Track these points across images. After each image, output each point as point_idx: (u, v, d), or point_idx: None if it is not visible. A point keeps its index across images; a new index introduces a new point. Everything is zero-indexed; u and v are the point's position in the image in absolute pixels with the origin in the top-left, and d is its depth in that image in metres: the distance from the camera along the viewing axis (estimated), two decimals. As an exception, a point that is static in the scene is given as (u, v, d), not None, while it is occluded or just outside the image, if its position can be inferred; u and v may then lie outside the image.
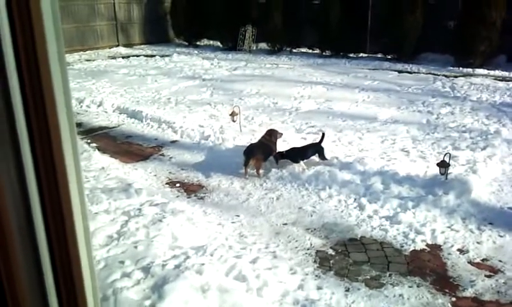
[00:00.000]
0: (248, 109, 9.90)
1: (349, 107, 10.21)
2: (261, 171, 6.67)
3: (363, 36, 17.82)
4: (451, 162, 6.21)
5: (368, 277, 4.24)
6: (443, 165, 5.95)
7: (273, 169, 6.74)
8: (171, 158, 7.52)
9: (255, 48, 20.10)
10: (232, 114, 8.29)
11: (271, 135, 6.97)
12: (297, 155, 6.77)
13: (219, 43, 21.45)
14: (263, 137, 7.05)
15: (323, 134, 6.90)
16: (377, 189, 5.87)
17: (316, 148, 6.83)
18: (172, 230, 4.67)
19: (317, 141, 6.90)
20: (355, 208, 5.56)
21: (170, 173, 6.88)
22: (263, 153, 6.70)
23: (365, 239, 4.89)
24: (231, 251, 4.44)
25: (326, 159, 6.73)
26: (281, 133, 7.10)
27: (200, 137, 8.26)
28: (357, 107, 10.22)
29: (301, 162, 6.67)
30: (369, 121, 8.99)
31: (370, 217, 5.33)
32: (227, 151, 7.46)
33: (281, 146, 7.12)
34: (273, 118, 9.36)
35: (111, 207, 5.21)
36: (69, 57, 17.90)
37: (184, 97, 11.27)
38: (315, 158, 6.83)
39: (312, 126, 8.66)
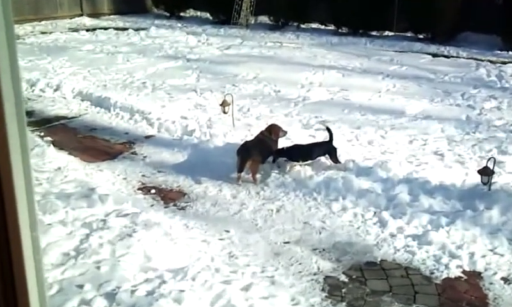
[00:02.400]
0: (243, 98, 9.91)
1: (370, 97, 10.24)
2: (258, 176, 6.66)
3: (389, 10, 17.79)
4: (496, 169, 6.21)
5: (390, 310, 4.26)
6: (486, 172, 5.96)
7: (273, 174, 6.74)
8: (145, 157, 7.52)
9: (253, 22, 20.10)
10: (223, 104, 8.30)
11: (271, 132, 6.98)
12: (299, 153, 6.79)
13: (208, 15, 21.45)
14: (261, 133, 7.06)
15: (329, 130, 6.90)
16: (402, 201, 5.89)
17: (326, 148, 6.84)
18: (144, 247, 4.66)
19: (328, 139, 6.92)
20: (375, 224, 5.58)
21: (144, 175, 6.88)
22: (261, 153, 6.71)
23: (386, 263, 4.90)
24: (218, 274, 4.44)
25: (339, 162, 6.75)
26: (285, 131, 7.09)
27: (182, 132, 8.25)
28: (380, 98, 10.26)
29: (301, 163, 6.73)
30: (395, 116, 9.02)
31: (393, 235, 5.35)
32: (216, 150, 7.46)
33: (284, 145, 7.13)
34: (274, 110, 9.37)
35: (69, 217, 5.20)
36: (18, 29, 17.86)
37: (163, 82, 11.28)
38: (326, 160, 6.85)
39: (323, 121, 8.69)
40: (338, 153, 6.84)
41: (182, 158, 7.43)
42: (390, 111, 9.31)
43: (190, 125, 8.36)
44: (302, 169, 6.74)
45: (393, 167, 6.60)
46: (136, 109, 9.29)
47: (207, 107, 9.51)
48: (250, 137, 7.42)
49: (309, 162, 6.88)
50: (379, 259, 4.96)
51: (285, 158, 6.82)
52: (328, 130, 6.91)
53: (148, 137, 8.32)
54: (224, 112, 8.39)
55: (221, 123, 8.44)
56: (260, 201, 6.16)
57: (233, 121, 8.41)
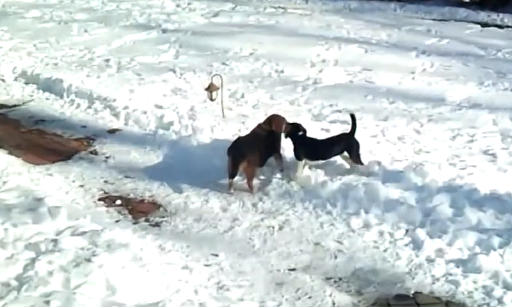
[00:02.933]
0: (235, 81, 9.88)
1: (400, 80, 10.23)
2: (255, 182, 6.64)
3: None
4: None
5: None
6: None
7: (275, 179, 6.72)
8: (108, 158, 7.49)
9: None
10: (210, 89, 8.25)
11: (272, 125, 6.97)
12: (309, 148, 6.79)
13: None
14: (259, 126, 7.05)
15: (353, 118, 6.82)
16: (443, 215, 5.87)
17: (345, 143, 6.82)
18: (108, 276, 4.62)
19: (347, 131, 6.89)
20: (406, 245, 5.57)
21: (106, 182, 6.85)
22: (259, 152, 6.70)
23: (421, 297, 4.88)
24: (203, 312, 4.42)
25: (361, 163, 6.73)
26: (299, 124, 6.96)
27: (156, 125, 8.23)
28: (413, 81, 10.24)
29: (312, 163, 6.75)
30: (432, 105, 9.01)
31: (430, 260, 5.33)
32: (200, 149, 7.44)
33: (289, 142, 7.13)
34: (276, 96, 9.34)
35: (9, 237, 5.14)
36: None
37: (132, 59, 11.25)
38: (344, 162, 6.85)
39: (340, 111, 8.66)
40: (360, 150, 6.81)
41: (156, 159, 7.40)
42: (427, 98, 9.29)
43: (167, 115, 8.33)
44: (312, 174, 6.72)
45: (431, 171, 6.58)
46: (96, 94, 9.25)
47: (188, 93, 9.47)
48: (245, 132, 7.40)
49: (321, 162, 6.88)
50: (412, 292, 4.93)
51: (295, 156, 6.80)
52: (352, 118, 6.80)
53: (112, 131, 8.29)
54: (212, 99, 8.35)
55: (207, 113, 8.41)
56: (258, 216, 6.13)
57: (223, 111, 8.37)
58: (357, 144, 6.75)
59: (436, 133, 7.94)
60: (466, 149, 7.50)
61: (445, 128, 8.10)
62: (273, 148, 6.91)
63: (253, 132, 7.03)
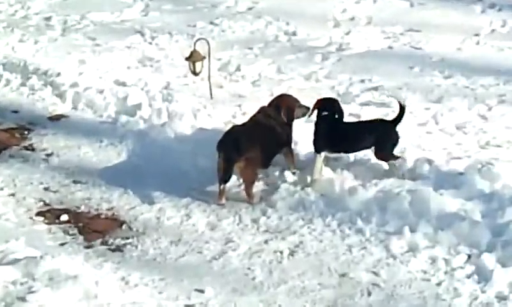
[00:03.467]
0: (228, 47, 9.92)
1: (459, 45, 10.21)
2: (256, 189, 6.66)
3: None
4: None
5: None
6: None
7: (284, 185, 6.71)
8: (49, 155, 7.54)
9: None
10: (193, 59, 8.28)
11: (281, 109, 6.99)
12: (332, 135, 6.85)
13: None
14: (262, 111, 7.08)
15: (401, 106, 6.84)
16: (520, 235, 5.88)
17: (380, 132, 6.88)
18: (50, 322, 4.64)
19: (391, 117, 6.96)
20: (469, 277, 5.54)
21: (47, 189, 6.89)
22: (262, 148, 6.70)
23: (490, 349, 4.90)
24: None
25: (399, 158, 6.82)
26: (307, 107, 7.01)
27: (117, 110, 8.27)
28: (478, 47, 10.21)
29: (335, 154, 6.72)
30: (505, 80, 8.99)
31: (502, 298, 5.30)
32: (179, 143, 7.47)
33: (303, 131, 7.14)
34: (286, 68, 9.35)
35: None
36: None
37: (83, 16, 11.27)
38: (383, 163, 6.88)
39: (375, 89, 8.68)
40: (402, 146, 6.83)
41: (117, 158, 7.43)
42: (497, 70, 9.27)
43: (132, 96, 8.35)
44: (336, 177, 6.71)
45: (503, 173, 6.55)
46: (32, 67, 9.27)
47: (162, 64, 9.50)
48: (242, 119, 7.41)
49: (346, 156, 6.96)
50: (477, 342, 4.95)
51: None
52: (401, 107, 6.82)
53: (55, 118, 8.34)
54: (195, 73, 8.37)
55: (189, 92, 8.44)
56: (261, 236, 6.13)
57: (211, 90, 8.39)
58: (395, 135, 6.79)
59: (511, 120, 7.92)
60: (555, 142, 7.50)
61: (524, 114, 8.11)
62: (281, 141, 6.92)
63: (254, 119, 7.04)
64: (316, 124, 6.86)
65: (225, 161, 6.53)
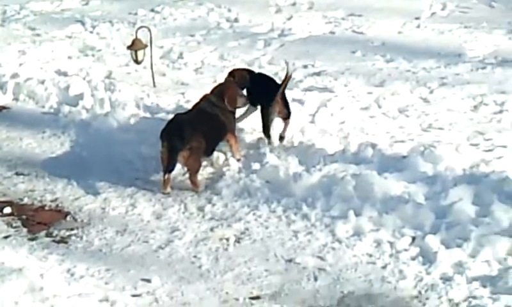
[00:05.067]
0: (170, 35, 9.91)
1: (400, 29, 10.30)
2: (200, 178, 6.65)
3: None
4: None
5: None
6: None
7: (228, 172, 6.73)
8: (-10, 147, 7.48)
9: None
10: (134, 47, 8.23)
11: (224, 97, 6.97)
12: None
13: None
14: (205, 99, 7.05)
15: (287, 73, 7.08)
16: (463, 216, 5.89)
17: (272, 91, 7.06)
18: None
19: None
20: (414, 259, 5.58)
21: (-12, 181, 6.83)
22: (205, 136, 6.69)
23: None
24: None
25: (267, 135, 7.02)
26: (246, 97, 7.09)
27: (59, 100, 8.19)
28: (419, 31, 10.30)
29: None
30: (446, 62, 9.08)
31: (447, 279, 5.33)
32: (122, 132, 7.43)
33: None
34: (229, 55, 9.36)
35: None
36: None
37: (22, 6, 11.16)
38: (321, 146, 6.88)
39: (317, 74, 8.69)
40: (346, 130, 6.83)
41: (60, 148, 7.35)
42: (438, 53, 9.37)
43: (74, 86, 8.27)
44: (281, 163, 6.72)
45: (446, 155, 6.62)
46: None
47: (104, 53, 9.42)
48: (186, 107, 7.37)
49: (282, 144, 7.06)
50: (422, 324, 4.98)
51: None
52: (287, 71, 7.08)
53: (-5, 110, 8.26)
54: (137, 62, 8.33)
55: (131, 81, 8.39)
56: (206, 224, 6.11)
57: (154, 78, 8.37)
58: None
59: (452, 102, 8.00)
60: (494, 123, 7.58)
61: (463, 95, 8.17)
62: (225, 129, 6.91)
63: (197, 107, 7.01)
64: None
65: (169, 151, 6.49)
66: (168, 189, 6.54)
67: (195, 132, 6.60)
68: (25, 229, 6.08)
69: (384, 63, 9.10)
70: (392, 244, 5.76)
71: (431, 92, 8.26)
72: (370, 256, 5.68)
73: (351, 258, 5.64)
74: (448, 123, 7.54)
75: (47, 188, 6.66)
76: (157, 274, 5.45)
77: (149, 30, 8.26)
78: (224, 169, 6.82)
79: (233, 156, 6.95)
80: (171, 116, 7.00)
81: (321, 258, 5.66)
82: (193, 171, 6.58)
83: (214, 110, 6.89)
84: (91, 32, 10.17)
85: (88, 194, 6.55)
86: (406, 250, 5.70)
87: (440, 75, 8.72)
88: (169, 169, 6.53)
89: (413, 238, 5.79)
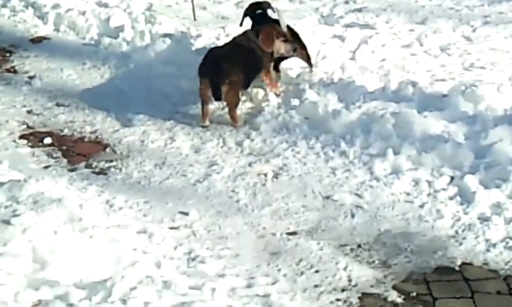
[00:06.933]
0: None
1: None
2: (239, 113, 6.65)
3: None
4: None
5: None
6: None
7: (267, 108, 6.73)
8: (32, 78, 7.50)
9: None
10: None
11: (260, 36, 6.96)
12: None
13: None
14: (243, 34, 7.06)
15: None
16: (503, 157, 5.86)
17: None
18: (34, 244, 4.61)
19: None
20: (451, 198, 5.58)
21: (30, 112, 6.88)
22: (243, 70, 6.69)
23: (472, 270, 4.91)
24: (168, 293, 4.42)
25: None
26: (293, 46, 7.01)
27: (99, 31, 8.24)
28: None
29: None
30: (490, 1, 8.97)
31: (484, 219, 5.34)
32: (162, 65, 7.44)
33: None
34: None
35: None
36: None
37: None
38: (361, 82, 6.83)
39: (359, 10, 8.60)
40: (386, 68, 6.76)
41: (99, 80, 7.41)
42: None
43: (114, 17, 8.30)
44: (320, 100, 6.69)
45: (487, 95, 6.55)
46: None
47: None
48: (223, 40, 7.39)
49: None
50: (458, 263, 4.96)
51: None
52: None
53: (37, 40, 8.29)
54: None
55: (172, 13, 8.36)
56: (245, 159, 6.14)
57: (194, 11, 8.34)
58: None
59: (495, 41, 7.91)
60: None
61: (506, 34, 8.09)
62: (261, 63, 6.91)
63: (235, 42, 7.01)
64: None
65: (208, 83, 6.50)
66: (207, 122, 6.57)
67: (233, 66, 6.59)
68: (65, 160, 6.15)
69: (427, 0, 8.99)
70: (430, 183, 5.76)
71: (474, 30, 8.16)
72: (408, 194, 5.68)
73: (389, 196, 5.66)
74: (491, 62, 7.45)
75: (86, 120, 6.72)
76: (195, 207, 5.51)
77: (190, -38, 8.20)
78: (264, 104, 6.82)
79: (271, 91, 6.93)
80: (207, 49, 7.00)
81: (359, 196, 5.68)
82: (232, 106, 6.58)
83: (250, 44, 6.87)
84: (132, -36, 10.11)
85: (126, 127, 6.60)
86: (444, 189, 5.69)
87: (483, 14, 8.61)
88: (207, 102, 6.57)
89: (452, 178, 5.78)
